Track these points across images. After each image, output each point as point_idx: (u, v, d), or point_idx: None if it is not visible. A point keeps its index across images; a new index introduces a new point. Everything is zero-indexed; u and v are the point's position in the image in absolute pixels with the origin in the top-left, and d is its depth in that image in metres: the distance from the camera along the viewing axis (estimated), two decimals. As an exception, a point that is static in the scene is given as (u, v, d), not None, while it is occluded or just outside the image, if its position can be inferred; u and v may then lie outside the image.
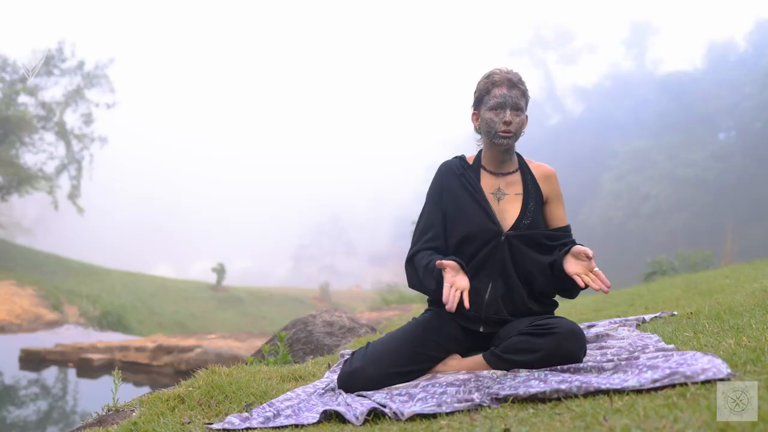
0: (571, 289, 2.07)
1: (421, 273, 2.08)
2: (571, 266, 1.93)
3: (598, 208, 29.84)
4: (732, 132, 29.74)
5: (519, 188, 2.16)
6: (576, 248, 1.95)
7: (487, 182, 2.17)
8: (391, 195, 59.09)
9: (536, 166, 2.22)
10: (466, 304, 1.88)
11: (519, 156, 2.23)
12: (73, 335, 10.30)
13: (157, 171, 65.16)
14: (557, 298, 2.26)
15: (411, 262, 2.15)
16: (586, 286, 1.93)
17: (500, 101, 2.06)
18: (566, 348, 1.83)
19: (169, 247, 58.93)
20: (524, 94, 2.10)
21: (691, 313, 2.71)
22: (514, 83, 2.08)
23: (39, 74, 17.39)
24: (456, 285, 1.90)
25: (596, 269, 1.89)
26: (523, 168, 2.20)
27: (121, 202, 59.05)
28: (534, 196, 2.15)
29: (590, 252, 1.91)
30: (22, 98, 17.14)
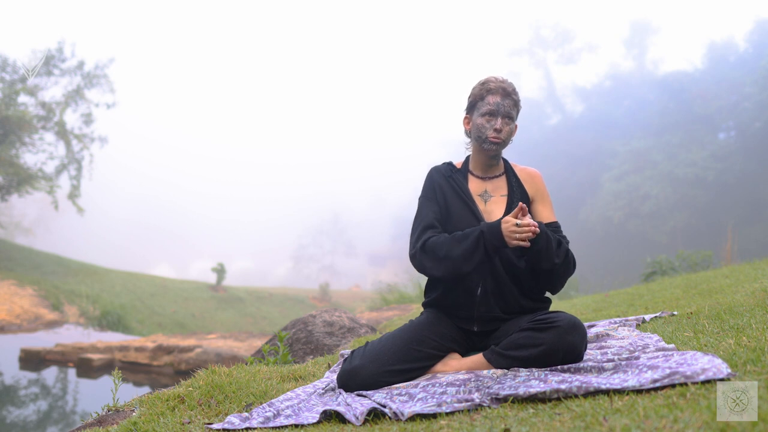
0: (546, 277, 2.09)
1: (448, 248, 2.04)
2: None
3: (598, 208, 29.84)
4: (732, 132, 29.72)
5: (504, 190, 2.24)
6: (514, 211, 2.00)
7: (475, 185, 2.25)
8: (390, 195, 59.14)
9: (521, 169, 2.31)
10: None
11: (505, 161, 2.32)
12: (73, 335, 10.28)
13: (157, 171, 65.27)
14: (554, 297, 2.28)
15: (424, 250, 2.11)
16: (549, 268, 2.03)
17: (493, 109, 2.14)
18: (568, 341, 1.85)
19: (169, 247, 58.98)
20: (516, 104, 2.18)
21: (691, 313, 2.71)
22: (508, 93, 2.16)
23: (39, 74, 17.37)
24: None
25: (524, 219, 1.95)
26: (509, 171, 2.29)
27: (121, 202, 59.14)
28: (519, 197, 2.22)
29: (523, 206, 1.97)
30: (22, 98, 17.14)
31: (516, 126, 2.22)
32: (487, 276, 2.12)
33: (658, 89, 32.72)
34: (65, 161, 18.18)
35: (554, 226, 2.20)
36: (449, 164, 2.33)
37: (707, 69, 31.72)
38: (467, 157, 2.32)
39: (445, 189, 2.24)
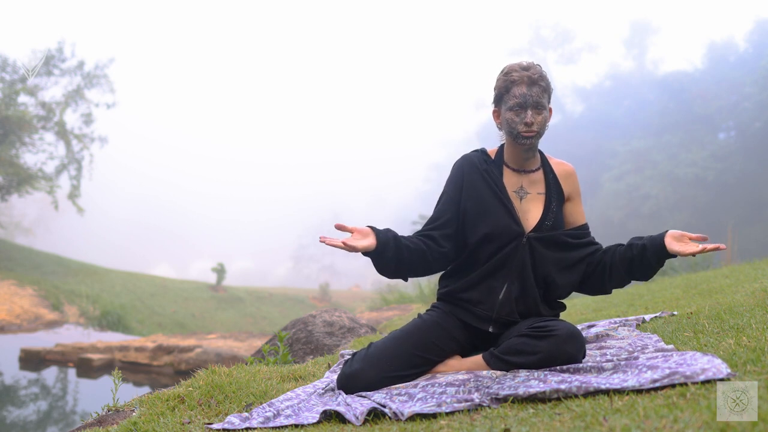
0: (629, 277, 2.10)
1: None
2: (675, 246, 1.95)
3: (598, 208, 29.86)
4: (732, 132, 29.75)
5: (541, 187, 2.12)
6: (676, 232, 1.98)
7: (510, 180, 2.12)
8: (391, 195, 59.11)
9: (557, 164, 2.18)
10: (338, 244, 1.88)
11: (541, 153, 2.18)
12: (73, 335, 10.29)
13: (157, 171, 65.22)
14: (564, 300, 2.26)
15: None
16: (648, 272, 2.05)
17: (520, 101, 1.99)
18: (565, 351, 1.83)
19: (169, 247, 58.96)
20: (546, 90, 2.02)
21: (691, 313, 2.71)
22: (534, 80, 1.99)
23: (39, 74, 17.38)
24: (348, 242, 1.90)
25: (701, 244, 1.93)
26: (546, 166, 2.16)
27: (121, 202, 59.10)
28: (556, 196, 2.12)
29: (693, 235, 1.95)
30: (22, 98, 17.14)
31: (550, 110, 2.06)
32: (515, 279, 2.05)
33: (658, 89, 32.73)
34: (65, 161, 18.19)
35: (585, 228, 2.16)
36: (483, 152, 2.18)
37: (707, 69, 31.73)
38: (501, 146, 2.16)
39: (477, 184, 2.10)
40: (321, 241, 1.88)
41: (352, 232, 1.95)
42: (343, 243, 1.89)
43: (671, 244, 1.96)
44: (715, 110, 29.02)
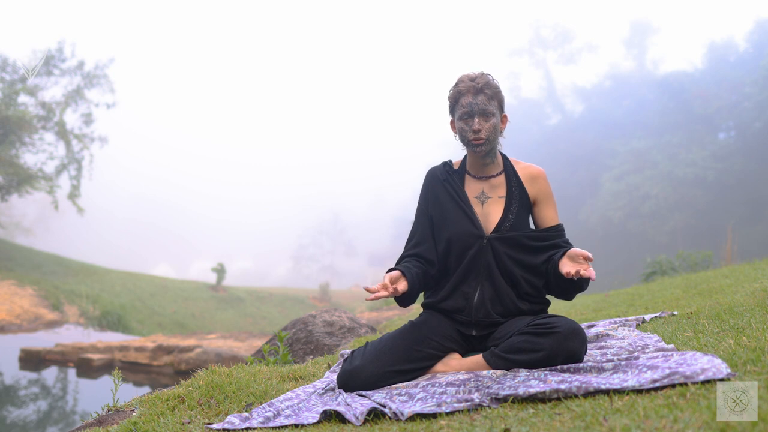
0: (567, 290, 2.09)
1: None
2: (565, 266, 1.94)
3: (598, 208, 29.86)
4: (732, 132, 29.78)
5: (503, 191, 2.18)
6: (573, 250, 1.95)
7: (472, 186, 2.20)
8: (391, 195, 59.17)
9: (523, 168, 2.22)
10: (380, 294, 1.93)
11: (505, 158, 2.23)
12: (73, 335, 10.29)
13: (157, 171, 65.28)
14: (551, 297, 2.27)
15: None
16: (579, 283, 2.03)
17: (467, 110, 2.08)
18: (568, 347, 1.84)
19: (169, 247, 59.01)
20: (493, 97, 2.09)
21: (691, 313, 2.71)
22: (480, 89, 2.07)
23: (39, 74, 17.39)
24: (381, 289, 1.96)
25: (589, 269, 1.88)
26: (508, 170, 2.21)
27: (121, 201, 59.15)
28: (518, 198, 2.16)
29: (588, 254, 1.90)
30: (22, 98, 17.16)
31: (504, 117, 2.14)
32: (485, 281, 2.10)
33: (658, 89, 32.74)
34: (65, 161, 18.21)
35: (558, 230, 2.17)
36: (446, 164, 2.27)
37: (707, 69, 31.74)
38: (465, 156, 2.26)
39: (439, 193, 2.20)
40: (372, 298, 1.93)
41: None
42: (394, 289, 1.98)
43: (564, 265, 1.95)
44: (715, 110, 29.04)
